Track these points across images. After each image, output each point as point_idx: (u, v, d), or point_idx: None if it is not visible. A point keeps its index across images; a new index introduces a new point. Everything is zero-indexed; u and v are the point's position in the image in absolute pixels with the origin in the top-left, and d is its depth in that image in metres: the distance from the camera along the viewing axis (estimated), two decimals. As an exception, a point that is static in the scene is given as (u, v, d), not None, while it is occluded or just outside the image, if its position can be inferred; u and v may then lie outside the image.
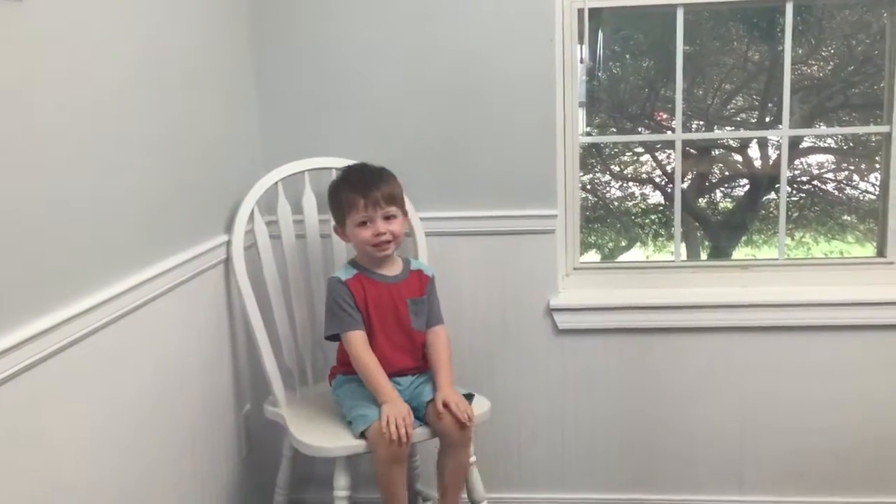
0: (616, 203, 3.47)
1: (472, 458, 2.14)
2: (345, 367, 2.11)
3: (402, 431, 1.90)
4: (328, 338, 2.12)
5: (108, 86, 1.63)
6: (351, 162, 2.30)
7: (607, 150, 3.22)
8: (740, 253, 3.34)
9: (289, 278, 2.30)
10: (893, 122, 2.45)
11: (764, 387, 2.51)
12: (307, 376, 2.35)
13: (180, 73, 1.97)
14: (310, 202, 2.33)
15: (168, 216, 1.88)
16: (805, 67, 2.87)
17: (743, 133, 3.01)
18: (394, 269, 2.14)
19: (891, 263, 2.50)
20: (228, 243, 2.19)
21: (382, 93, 2.44)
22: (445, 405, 1.99)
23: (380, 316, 2.08)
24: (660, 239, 3.62)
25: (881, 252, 2.55)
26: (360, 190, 2.06)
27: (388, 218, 2.07)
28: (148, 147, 1.79)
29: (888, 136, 2.48)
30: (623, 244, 3.64)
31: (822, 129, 2.94)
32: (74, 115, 1.50)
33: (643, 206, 3.57)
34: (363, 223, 2.06)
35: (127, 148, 1.69)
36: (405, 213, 2.15)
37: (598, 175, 3.33)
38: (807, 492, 2.54)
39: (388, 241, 2.07)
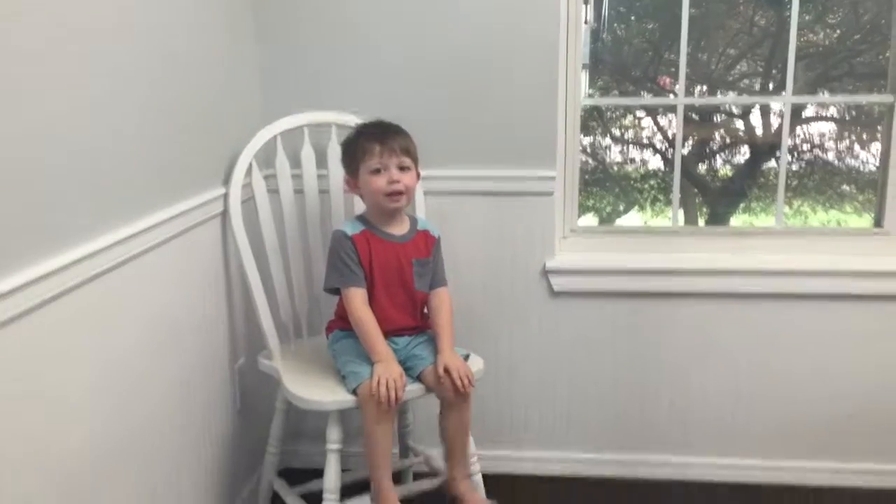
0: (615, 167, 3.46)
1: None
2: (342, 321, 2.12)
3: (392, 395, 1.91)
4: (328, 290, 2.12)
5: (108, 36, 1.61)
6: (351, 117, 2.29)
7: (609, 113, 3.20)
8: (738, 220, 3.34)
9: (286, 232, 2.30)
10: (897, 92, 2.44)
11: (756, 353, 2.53)
12: (302, 330, 2.36)
13: (181, 24, 1.95)
14: (308, 157, 2.31)
15: (165, 167, 1.87)
16: (811, 34, 2.85)
17: (746, 99, 2.99)
18: (401, 228, 2.12)
19: (888, 234, 2.51)
20: (226, 196, 2.18)
21: (384, 50, 2.42)
22: (446, 370, 1.99)
23: (383, 275, 2.07)
24: (658, 204, 3.62)
25: (878, 222, 2.56)
26: (377, 138, 2.05)
27: (402, 168, 2.06)
28: (147, 97, 1.78)
29: (891, 106, 2.47)
30: (621, 208, 3.64)
31: (825, 97, 2.92)
32: (72, 64, 1.49)
33: (642, 171, 3.56)
34: (377, 170, 2.04)
35: (125, 98, 1.68)
36: (418, 174, 2.13)
37: (598, 138, 3.32)
38: (794, 456, 2.58)
39: (401, 193, 2.05)
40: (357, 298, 2.04)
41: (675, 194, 2.62)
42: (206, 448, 2.15)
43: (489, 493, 2.21)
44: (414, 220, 2.19)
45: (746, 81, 3.18)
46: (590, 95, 2.74)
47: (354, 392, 1.98)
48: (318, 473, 2.26)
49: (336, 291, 2.11)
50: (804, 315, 2.49)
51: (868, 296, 2.45)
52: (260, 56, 2.44)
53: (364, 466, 2.23)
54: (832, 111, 3.10)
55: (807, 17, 2.75)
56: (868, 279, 2.44)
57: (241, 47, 2.36)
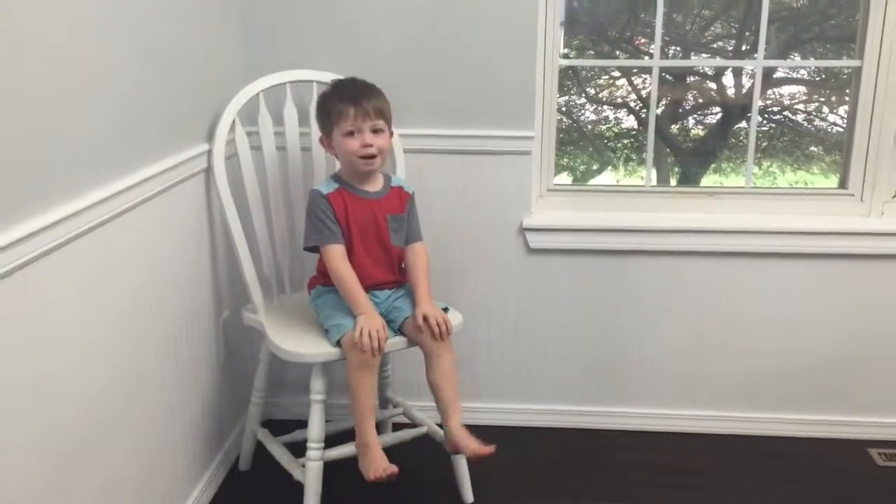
0: (590, 126, 3.50)
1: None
2: (324, 277, 2.17)
3: (375, 344, 1.98)
4: (307, 249, 2.17)
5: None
6: (333, 75, 2.32)
7: (584, 72, 3.24)
8: (709, 180, 3.41)
9: (269, 189, 2.33)
10: (864, 58, 2.51)
11: (723, 309, 2.62)
12: (284, 285, 2.41)
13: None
14: (291, 114, 2.34)
15: (149, 123, 1.89)
16: (782, -4, 2.89)
17: (720, 62, 3.04)
18: (375, 185, 2.17)
19: (852, 195, 2.60)
20: (209, 152, 2.20)
21: (365, 8, 2.43)
22: (424, 319, 2.06)
23: (360, 231, 2.12)
24: (631, 163, 3.67)
25: (843, 184, 2.64)
26: (350, 100, 2.07)
27: (375, 131, 2.09)
28: (130, 53, 1.78)
29: (858, 70, 2.54)
30: (595, 167, 3.69)
31: (796, 61, 2.99)
32: (51, 20, 1.48)
33: (616, 130, 3.61)
34: (350, 133, 2.08)
35: (108, 54, 1.69)
36: (392, 133, 2.17)
37: (573, 97, 3.35)
38: (756, 409, 2.69)
39: (374, 156, 2.09)
40: (336, 255, 2.09)
41: (649, 155, 2.69)
42: (194, 398, 2.21)
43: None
44: (388, 178, 2.24)
45: (720, 43, 3.23)
46: (566, 56, 2.77)
47: (338, 344, 2.04)
48: (299, 424, 2.35)
49: (315, 249, 2.15)
50: (769, 272, 2.58)
51: (830, 254, 2.54)
52: (242, 14, 2.45)
53: (345, 418, 2.32)
54: (803, 73, 3.16)
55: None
56: (831, 238, 2.53)
57: (225, 6, 2.36)
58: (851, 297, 2.57)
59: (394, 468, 1.98)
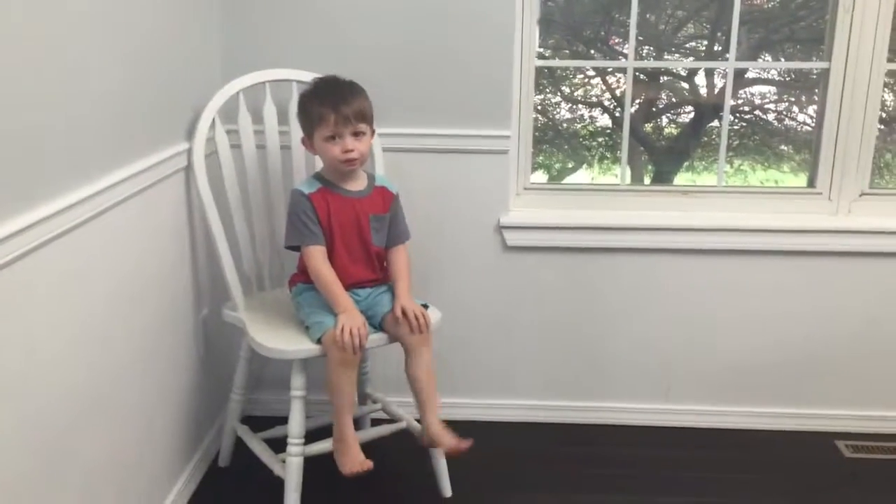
0: (564, 125, 3.54)
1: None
2: (304, 274, 2.18)
3: (356, 342, 2.01)
4: (288, 248, 2.19)
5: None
6: (312, 74, 2.33)
7: (559, 71, 3.28)
8: (682, 178, 3.46)
9: (248, 186, 2.35)
10: (832, 59, 2.57)
11: (696, 306, 2.67)
12: (264, 282, 2.42)
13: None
14: (270, 113, 2.36)
15: (129, 122, 1.89)
16: (755, -1, 2.95)
17: (693, 63, 3.10)
18: (358, 185, 2.19)
19: (820, 194, 2.66)
20: (189, 151, 2.21)
21: (344, 8, 2.45)
22: (403, 312, 2.09)
23: (342, 230, 2.14)
24: (605, 162, 3.72)
25: (812, 183, 2.71)
26: (331, 105, 2.07)
27: (356, 135, 2.10)
28: (110, 52, 1.79)
29: (826, 71, 2.60)
30: (570, 166, 3.73)
31: (766, 62, 3.04)
32: (32, 20, 1.48)
33: (590, 129, 3.65)
34: (332, 138, 2.09)
35: (88, 53, 1.69)
36: (373, 131, 2.19)
37: (548, 96, 3.39)
38: (728, 403, 2.75)
39: (355, 159, 2.11)
40: (317, 256, 2.11)
41: (624, 154, 2.73)
42: (174, 395, 2.22)
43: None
44: (371, 177, 2.25)
45: (693, 43, 3.28)
46: (541, 55, 2.81)
47: (319, 341, 2.06)
48: (278, 421, 2.37)
49: (296, 249, 2.17)
50: (740, 269, 2.64)
51: (799, 252, 2.60)
52: (222, 13, 2.45)
53: (324, 414, 2.34)
54: (773, 73, 3.22)
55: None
56: (800, 236, 2.59)
57: (204, 5, 2.37)
58: (820, 293, 2.64)
59: (369, 462, 2.03)
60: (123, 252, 1.88)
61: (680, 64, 3.13)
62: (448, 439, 2.08)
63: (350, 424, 2.07)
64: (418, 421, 2.31)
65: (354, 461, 2.02)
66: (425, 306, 2.17)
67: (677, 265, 2.64)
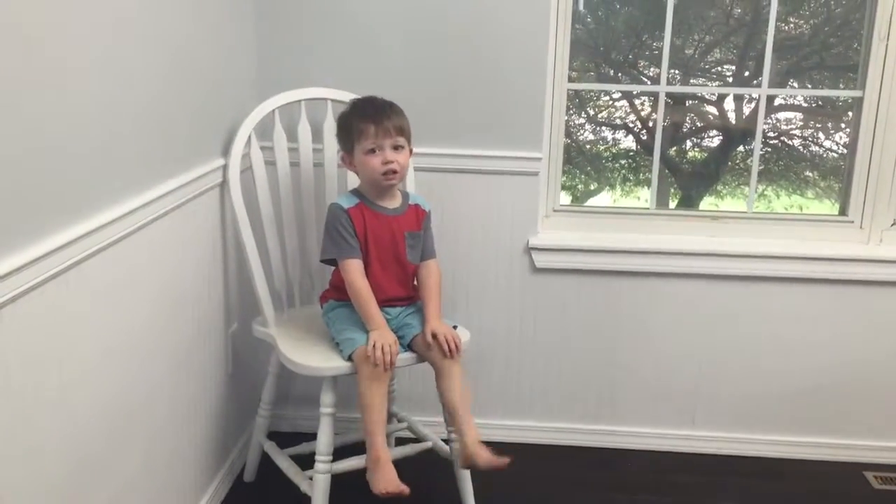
0: (589, 146, 3.55)
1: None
2: (337, 292, 2.20)
3: (388, 358, 2.01)
4: (324, 261, 2.20)
5: (111, 10, 1.63)
6: (347, 93, 2.35)
7: (584, 93, 3.28)
8: (706, 202, 3.46)
9: (281, 204, 2.36)
10: (866, 87, 2.56)
11: (724, 332, 2.66)
12: (294, 299, 2.43)
13: (181, 1, 1.98)
14: (305, 131, 2.37)
15: (169, 138, 1.92)
16: (784, 25, 2.95)
17: (725, 89, 3.10)
18: (394, 202, 2.20)
19: (851, 222, 2.65)
20: (225, 167, 2.23)
21: (379, 29, 2.48)
22: (434, 336, 2.09)
23: (377, 246, 2.15)
24: (628, 184, 3.72)
25: (843, 211, 2.70)
26: (371, 118, 2.11)
27: (396, 148, 2.12)
28: (150, 70, 1.81)
29: (860, 100, 2.59)
30: (593, 188, 3.74)
31: (799, 90, 3.04)
32: (75, 40, 1.50)
33: (614, 151, 3.66)
34: (372, 151, 2.11)
35: (130, 71, 1.71)
36: (412, 151, 2.20)
37: (572, 117, 3.40)
38: (754, 430, 2.73)
39: (395, 172, 2.12)
40: (354, 268, 2.12)
41: (654, 178, 2.73)
42: (203, 410, 2.22)
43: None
44: (406, 195, 2.27)
45: (719, 68, 3.29)
46: (568, 78, 2.81)
47: (350, 358, 2.06)
48: (303, 437, 2.37)
49: (331, 262, 2.18)
50: (768, 296, 2.63)
51: (829, 280, 2.59)
52: (257, 32, 2.48)
53: (350, 430, 2.34)
54: (800, 99, 3.22)
55: (778, 9, 2.86)
56: (830, 264, 2.58)
57: (240, 24, 2.40)
58: (850, 321, 2.62)
59: (405, 487, 1.99)
60: (160, 266, 1.90)
61: (712, 89, 3.14)
62: (486, 457, 2.07)
63: (383, 443, 2.06)
64: (445, 441, 2.31)
65: (390, 481, 1.99)
66: (454, 328, 2.17)
67: (706, 290, 2.63)
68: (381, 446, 2.04)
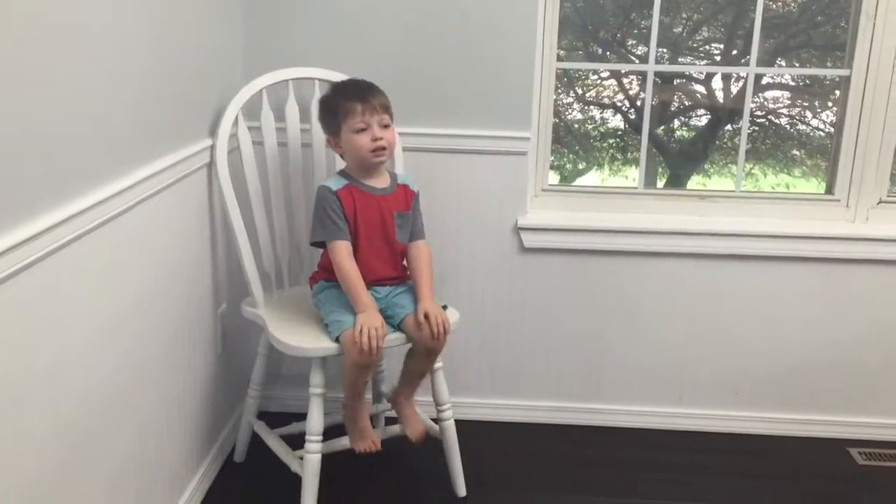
0: (576, 125, 3.55)
1: (439, 364, 2.26)
2: (326, 273, 2.20)
3: (374, 343, 2.02)
4: (313, 244, 2.20)
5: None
6: (335, 73, 2.34)
7: (573, 72, 3.27)
8: (693, 181, 3.47)
9: (269, 184, 2.35)
10: (853, 67, 2.57)
11: (711, 310, 2.68)
12: (283, 279, 2.43)
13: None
14: (293, 111, 2.36)
15: (155, 118, 1.90)
16: (771, 3, 2.95)
17: (713, 67, 3.10)
18: (382, 182, 2.20)
19: (838, 201, 2.67)
20: (213, 147, 2.22)
21: (368, 8, 2.46)
22: (426, 316, 2.09)
23: (366, 227, 2.15)
24: (616, 163, 3.72)
25: (829, 190, 2.71)
26: (358, 97, 2.11)
27: (384, 126, 2.13)
28: (139, 51, 1.79)
29: (847, 79, 2.60)
30: (581, 167, 3.74)
31: (787, 69, 3.04)
32: (60, 21, 1.47)
33: (602, 130, 3.66)
34: (361, 129, 2.11)
35: (118, 52, 1.70)
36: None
37: (561, 96, 3.39)
38: (741, 408, 2.76)
39: (384, 149, 2.12)
40: (342, 251, 2.12)
41: (643, 157, 2.73)
42: (192, 391, 2.22)
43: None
44: (394, 175, 2.26)
45: (707, 47, 3.28)
46: (556, 57, 2.81)
47: (337, 340, 2.07)
48: (293, 417, 2.38)
49: (321, 245, 2.18)
50: (755, 275, 2.64)
51: (816, 258, 2.61)
52: (244, 11, 2.46)
53: (339, 410, 2.35)
54: (787, 78, 3.22)
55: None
56: (817, 242, 2.59)
57: (227, 3, 2.38)
58: (835, 299, 2.64)
59: (378, 443, 2.17)
60: (148, 248, 1.89)
61: (700, 68, 3.13)
62: (413, 419, 2.27)
63: (363, 407, 2.17)
64: (434, 420, 2.32)
65: (367, 439, 2.14)
66: (444, 307, 2.18)
67: (694, 269, 2.65)
68: (357, 411, 2.16)
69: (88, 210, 1.56)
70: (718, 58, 3.14)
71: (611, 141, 3.69)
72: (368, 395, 2.39)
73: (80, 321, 1.58)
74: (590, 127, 3.57)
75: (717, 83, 3.25)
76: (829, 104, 3.07)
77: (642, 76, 2.88)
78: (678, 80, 3.18)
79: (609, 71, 3.28)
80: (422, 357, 2.19)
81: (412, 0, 2.45)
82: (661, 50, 2.96)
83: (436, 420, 2.33)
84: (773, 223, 2.64)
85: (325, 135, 2.21)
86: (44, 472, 1.48)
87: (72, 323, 1.55)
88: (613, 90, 3.46)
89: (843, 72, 2.61)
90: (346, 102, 2.11)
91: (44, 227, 1.41)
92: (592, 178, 3.70)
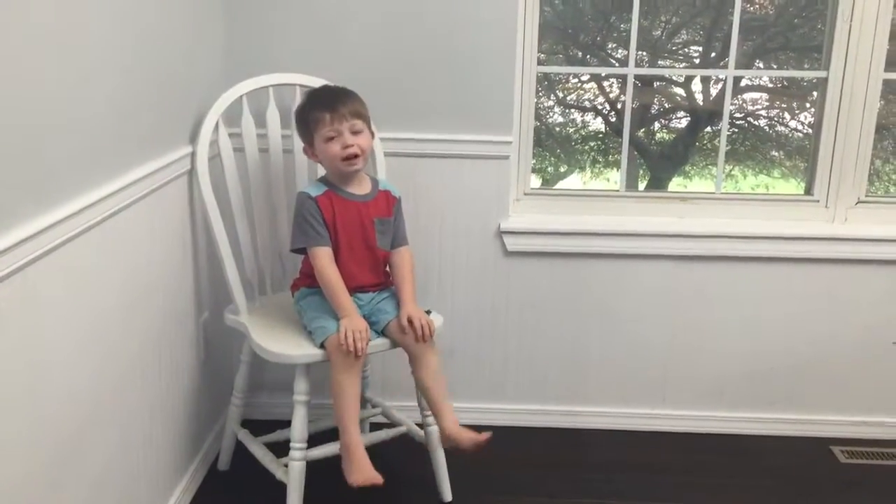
0: (558, 129, 3.56)
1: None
2: (308, 279, 2.19)
3: (359, 345, 2.01)
4: (294, 250, 2.19)
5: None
6: (316, 79, 2.33)
7: (552, 75, 3.29)
8: (674, 183, 3.49)
9: (251, 191, 2.34)
10: (830, 69, 2.59)
11: (693, 311, 2.69)
12: (266, 287, 2.42)
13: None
14: (273, 117, 2.35)
15: (133, 126, 1.88)
16: (749, 6, 2.97)
17: (692, 70, 3.12)
18: (362, 188, 2.20)
19: (817, 201, 2.69)
20: (193, 154, 2.21)
21: (348, 13, 2.45)
22: (409, 321, 2.09)
23: (347, 233, 2.15)
24: (597, 165, 3.74)
25: (808, 190, 2.73)
26: (325, 106, 2.11)
27: (355, 132, 2.12)
28: (112, 55, 1.77)
29: (824, 80, 2.62)
30: (563, 170, 3.75)
31: (766, 71, 3.07)
32: (36, 25, 1.46)
33: (583, 133, 3.67)
34: (331, 138, 2.10)
35: (95, 58, 1.68)
36: (372, 133, 2.20)
37: (542, 100, 3.41)
38: (724, 408, 2.77)
39: (357, 155, 2.11)
40: (323, 257, 2.11)
41: (624, 160, 2.74)
42: (175, 399, 2.21)
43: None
44: (375, 181, 2.26)
45: (686, 50, 3.31)
46: (539, 62, 2.82)
47: (322, 346, 2.06)
48: (277, 425, 2.36)
49: (302, 251, 2.17)
50: (736, 276, 2.66)
51: (796, 259, 2.62)
52: (224, 17, 2.45)
53: (323, 417, 2.34)
54: (766, 80, 3.25)
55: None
56: (797, 243, 2.61)
57: (207, 9, 2.36)
58: (816, 299, 2.66)
59: (378, 478, 1.99)
60: (128, 257, 1.87)
61: (680, 71, 3.16)
62: (467, 437, 2.09)
63: (356, 431, 2.05)
64: (420, 426, 2.32)
65: (363, 472, 2.00)
66: (428, 312, 2.18)
67: (675, 271, 2.66)
68: (354, 435, 2.04)
69: (68, 218, 1.54)
70: (697, 60, 3.17)
71: (592, 144, 3.71)
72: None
73: (61, 329, 1.57)
74: (571, 130, 3.59)
75: (696, 86, 3.27)
76: (808, 105, 3.10)
77: (622, 79, 2.90)
78: (658, 83, 3.20)
79: (589, 74, 3.30)
80: (419, 364, 2.14)
81: (393, 5, 2.45)
82: (640, 53, 2.98)
83: (420, 425, 2.32)
84: (753, 224, 2.65)
85: (303, 145, 2.20)
86: (26, 480, 1.46)
87: (53, 331, 1.54)
88: (594, 93, 3.48)
89: (821, 73, 2.64)
90: (315, 112, 2.12)
91: (24, 236, 1.39)
92: (574, 181, 3.72)
